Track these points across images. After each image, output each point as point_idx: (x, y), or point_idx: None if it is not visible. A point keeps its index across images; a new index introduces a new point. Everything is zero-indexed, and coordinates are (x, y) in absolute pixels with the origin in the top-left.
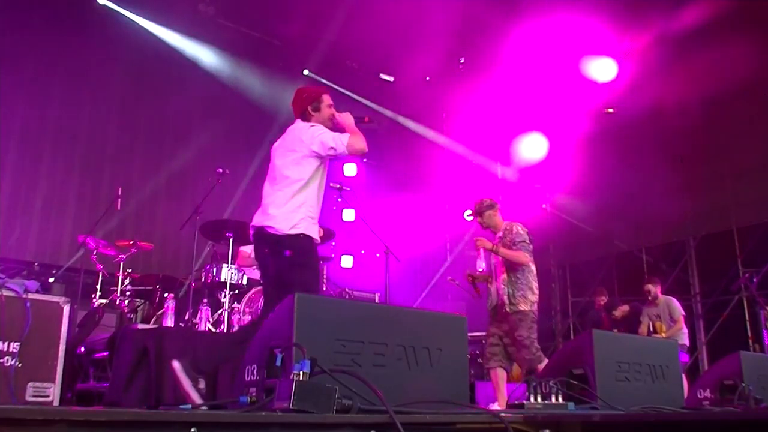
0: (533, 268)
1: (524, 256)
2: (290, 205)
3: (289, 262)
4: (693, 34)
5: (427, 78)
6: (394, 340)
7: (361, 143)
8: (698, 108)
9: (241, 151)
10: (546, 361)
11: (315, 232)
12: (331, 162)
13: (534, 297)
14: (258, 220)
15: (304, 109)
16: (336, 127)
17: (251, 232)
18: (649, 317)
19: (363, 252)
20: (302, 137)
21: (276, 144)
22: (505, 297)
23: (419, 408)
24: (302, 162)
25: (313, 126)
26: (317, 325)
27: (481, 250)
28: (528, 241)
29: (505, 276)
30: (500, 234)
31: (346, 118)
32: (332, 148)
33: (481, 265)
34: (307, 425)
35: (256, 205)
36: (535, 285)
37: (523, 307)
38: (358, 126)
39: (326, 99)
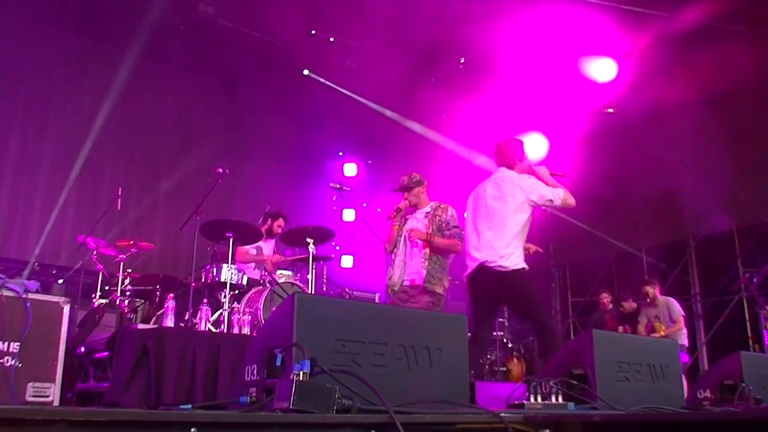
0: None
1: (459, 245)
2: (512, 246)
3: (513, 292)
4: (693, 34)
5: (433, 80)
6: (394, 340)
7: (571, 199)
8: (698, 108)
9: (241, 151)
10: None
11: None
12: (331, 162)
13: (447, 283)
14: (480, 256)
15: (511, 160)
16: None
17: (473, 267)
18: (648, 318)
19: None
20: (521, 186)
21: (484, 189)
22: (425, 273)
23: (419, 408)
24: (522, 208)
25: (530, 177)
26: (317, 325)
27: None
28: (460, 227)
29: (427, 252)
30: (428, 211)
31: (543, 171)
32: (550, 200)
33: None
34: (307, 425)
35: (256, 205)
36: (447, 271)
37: (438, 290)
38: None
39: (527, 153)
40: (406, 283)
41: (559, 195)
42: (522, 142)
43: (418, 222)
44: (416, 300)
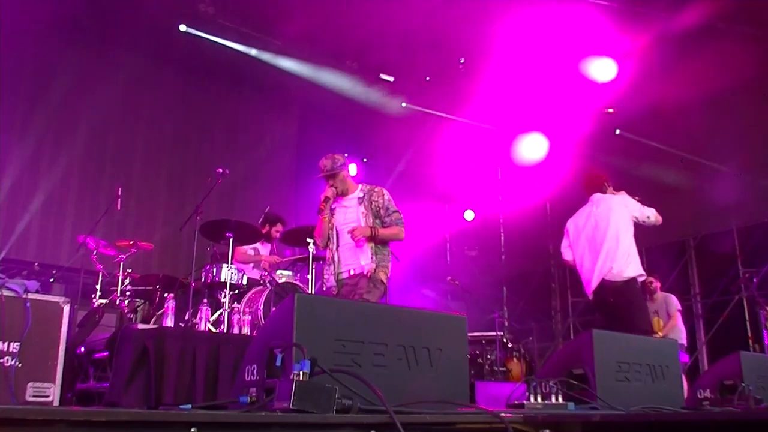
0: None
1: (402, 232)
2: (627, 258)
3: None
4: (693, 34)
5: (427, 78)
6: (394, 340)
7: (660, 217)
8: (698, 108)
9: (241, 151)
10: None
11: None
12: None
13: (389, 270)
14: (599, 275)
15: (602, 186)
16: None
17: (597, 283)
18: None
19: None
20: (626, 205)
21: (588, 213)
22: (374, 266)
23: (419, 408)
24: (629, 225)
25: (631, 199)
26: (317, 325)
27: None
28: (399, 211)
29: (373, 245)
30: (360, 196)
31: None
32: (648, 217)
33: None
34: (307, 425)
35: (256, 205)
36: (390, 256)
37: (383, 277)
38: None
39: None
40: (344, 275)
41: (653, 212)
42: (605, 172)
43: (349, 210)
44: (360, 287)
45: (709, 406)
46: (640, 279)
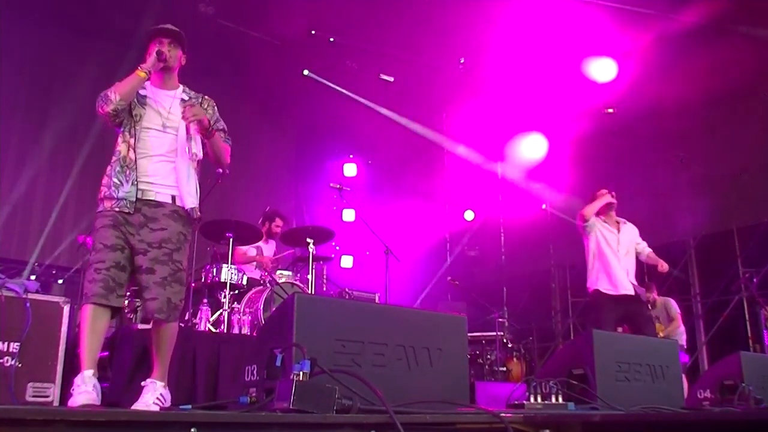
0: None
1: (229, 155)
2: (590, 271)
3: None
4: (693, 34)
5: (427, 78)
6: (394, 340)
7: (584, 209)
8: (698, 108)
9: (241, 151)
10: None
11: (605, 287)
12: (331, 162)
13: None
14: None
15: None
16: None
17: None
18: None
19: (368, 253)
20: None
21: None
22: (191, 194)
23: (419, 408)
24: (591, 243)
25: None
26: (317, 325)
27: (193, 128)
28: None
29: (197, 154)
30: (184, 98)
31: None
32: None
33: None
34: (307, 425)
35: (256, 205)
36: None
37: (195, 215)
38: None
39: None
40: (141, 195)
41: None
42: (594, 194)
43: (171, 109)
44: (161, 225)
45: (709, 406)
46: (597, 289)
